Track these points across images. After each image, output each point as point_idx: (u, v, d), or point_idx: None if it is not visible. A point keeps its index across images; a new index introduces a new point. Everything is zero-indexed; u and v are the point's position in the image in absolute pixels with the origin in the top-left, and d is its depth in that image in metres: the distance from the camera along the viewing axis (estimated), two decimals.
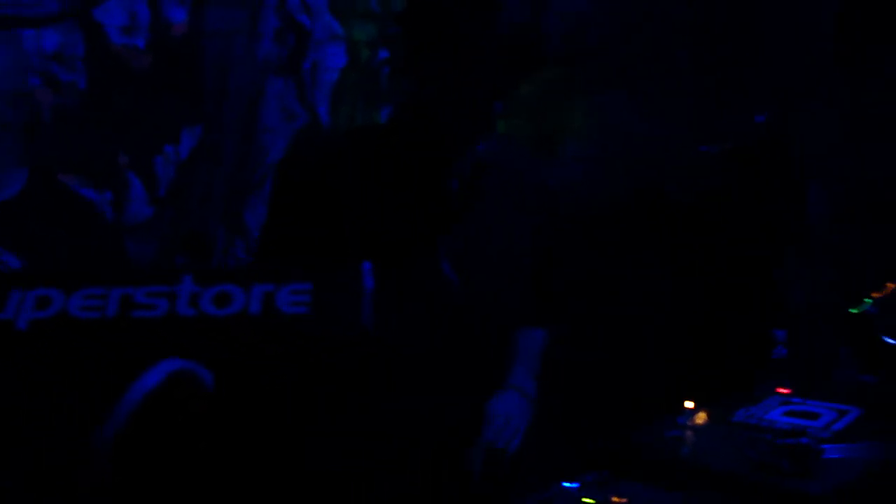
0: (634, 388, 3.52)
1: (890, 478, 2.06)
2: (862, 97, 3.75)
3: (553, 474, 2.05)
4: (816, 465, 2.02)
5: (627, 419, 2.35)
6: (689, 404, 2.35)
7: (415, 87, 1.96)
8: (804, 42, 4.11)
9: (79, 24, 3.30)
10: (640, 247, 4.04)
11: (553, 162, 4.10)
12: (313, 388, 1.00)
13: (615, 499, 2.00)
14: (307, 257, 1.81)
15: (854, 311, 2.43)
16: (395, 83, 3.73)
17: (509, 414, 2.12)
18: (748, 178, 3.89)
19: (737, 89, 4.19)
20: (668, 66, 4.30)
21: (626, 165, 4.17)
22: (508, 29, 1.82)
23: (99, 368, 0.98)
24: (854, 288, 2.55)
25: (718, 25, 4.31)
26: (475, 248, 2.02)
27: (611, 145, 4.18)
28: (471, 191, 2.02)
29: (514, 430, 2.13)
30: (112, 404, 0.93)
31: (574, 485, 2.03)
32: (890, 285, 2.46)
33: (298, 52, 3.67)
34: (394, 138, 2.01)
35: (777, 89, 4.07)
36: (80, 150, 3.23)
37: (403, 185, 1.97)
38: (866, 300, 2.45)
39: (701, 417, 2.33)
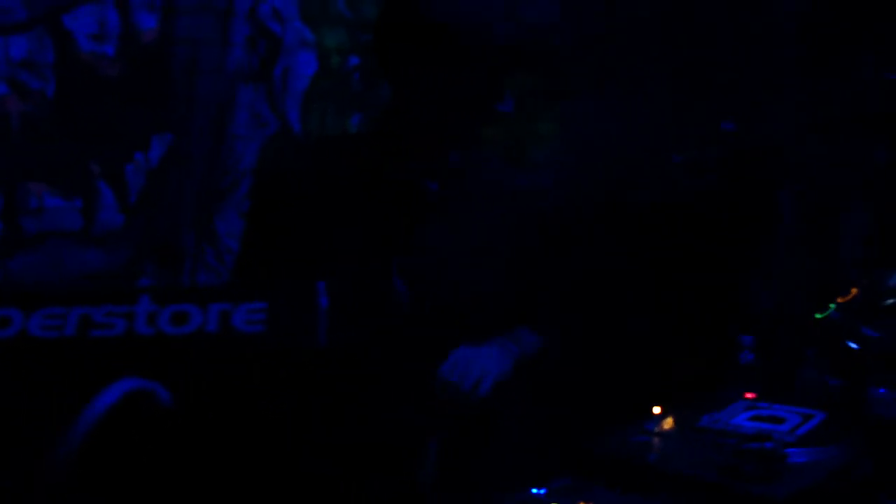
0: (601, 394, 3.54)
1: (853, 481, 2.08)
2: (828, 101, 3.79)
3: (519, 480, 2.06)
4: (781, 468, 2.04)
5: (594, 425, 2.36)
6: (656, 409, 2.37)
7: (387, 94, 1.96)
8: (769, 48, 4.14)
9: (48, 31, 3.29)
10: (607, 253, 4.06)
11: (523, 167, 4.12)
12: (270, 406, 1.01)
13: None
14: (280, 272, 1.80)
15: (819, 315, 2.46)
16: (366, 90, 3.73)
17: (478, 355, 1.94)
18: (717, 184, 3.92)
19: (703, 96, 4.22)
20: (635, 73, 4.33)
21: (594, 171, 4.19)
22: (485, 36, 1.81)
23: (58, 388, 0.99)
24: (819, 292, 2.58)
25: (685, 32, 4.34)
26: (441, 260, 1.99)
27: (579, 152, 4.20)
28: (442, 199, 2.00)
29: (482, 373, 1.91)
30: (67, 423, 0.93)
31: (541, 490, 2.04)
32: (854, 290, 2.49)
33: (269, 59, 3.68)
34: (363, 148, 2.00)
35: (743, 96, 4.10)
36: (49, 158, 3.23)
37: (366, 197, 1.96)
38: (831, 305, 2.48)
39: (668, 423, 2.35)
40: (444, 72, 1.83)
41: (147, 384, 0.97)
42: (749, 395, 2.52)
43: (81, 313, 1.03)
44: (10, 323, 1.02)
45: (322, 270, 1.46)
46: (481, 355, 1.95)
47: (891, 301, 2.54)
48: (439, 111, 1.88)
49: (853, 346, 2.46)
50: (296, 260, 1.86)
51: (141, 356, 1.01)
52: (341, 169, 1.98)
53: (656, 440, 2.31)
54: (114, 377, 0.98)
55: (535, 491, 1.99)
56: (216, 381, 1.01)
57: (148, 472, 0.98)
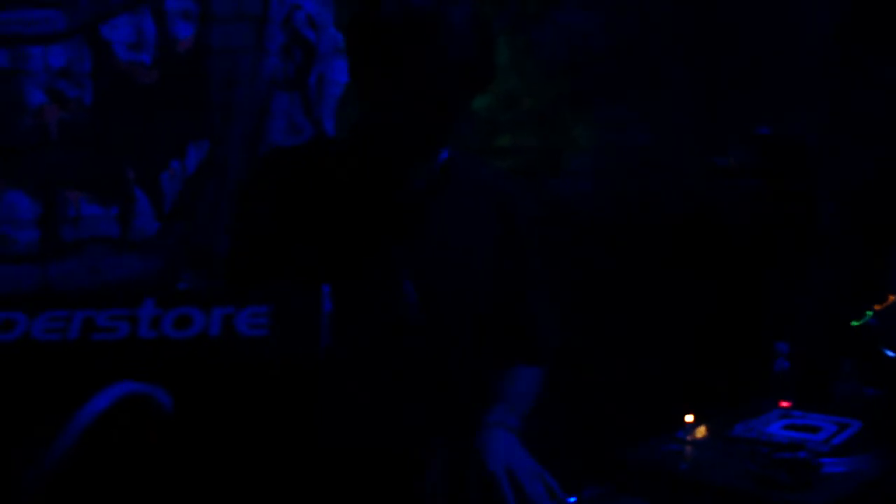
0: (635, 402, 3.51)
1: (888, 491, 2.05)
2: (864, 105, 3.74)
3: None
4: (815, 478, 2.01)
5: (628, 433, 2.34)
6: (689, 418, 2.35)
7: (365, 106, 1.93)
8: (805, 52, 4.10)
9: (86, 41, 3.33)
10: (643, 260, 4.03)
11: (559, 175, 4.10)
12: (272, 410, 1.00)
13: None
14: (271, 278, 1.78)
15: (856, 323, 2.42)
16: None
17: (510, 465, 1.93)
18: (758, 189, 3.88)
19: (738, 102, 4.18)
20: (669, 78, 4.30)
21: (628, 178, 4.16)
22: (454, 49, 1.77)
23: (60, 391, 0.99)
24: (856, 300, 2.54)
25: (718, 38, 4.31)
26: (439, 265, 1.96)
27: (612, 158, 4.18)
28: (429, 203, 1.96)
29: (530, 474, 1.92)
30: (56, 429, 0.93)
31: (573, 499, 2.03)
32: (891, 297, 2.45)
33: (304, 67, 3.69)
34: (349, 154, 1.96)
35: (779, 101, 4.06)
36: (86, 167, 3.26)
37: (361, 201, 1.93)
38: (868, 312, 2.44)
39: (701, 431, 2.33)
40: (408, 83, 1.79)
41: (145, 388, 0.97)
42: (784, 404, 2.49)
43: (85, 316, 1.03)
44: (14, 326, 1.03)
45: (326, 273, 1.45)
46: (510, 460, 1.93)
47: None
48: (411, 123, 1.85)
49: (890, 354, 2.42)
50: (298, 263, 1.84)
51: (143, 360, 1.01)
52: (333, 173, 1.95)
53: (689, 449, 2.29)
54: (115, 381, 0.97)
55: (566, 499, 1.97)
56: (218, 385, 1.00)
57: (145, 476, 0.98)
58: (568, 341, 2.32)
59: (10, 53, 3.18)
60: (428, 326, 1.88)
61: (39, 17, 3.25)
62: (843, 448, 2.19)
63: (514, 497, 1.86)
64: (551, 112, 4.20)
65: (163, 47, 3.44)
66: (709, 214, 4.03)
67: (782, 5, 4.19)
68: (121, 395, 0.93)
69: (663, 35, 4.29)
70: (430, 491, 1.75)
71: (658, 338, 3.87)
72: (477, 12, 1.81)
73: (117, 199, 3.36)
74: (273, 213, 1.90)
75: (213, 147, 3.53)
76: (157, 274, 3.41)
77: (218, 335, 1.00)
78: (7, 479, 0.92)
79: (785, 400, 2.47)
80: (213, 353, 0.99)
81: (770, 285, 3.66)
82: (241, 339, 0.99)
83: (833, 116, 3.87)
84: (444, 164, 1.96)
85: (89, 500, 0.93)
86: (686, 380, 3.57)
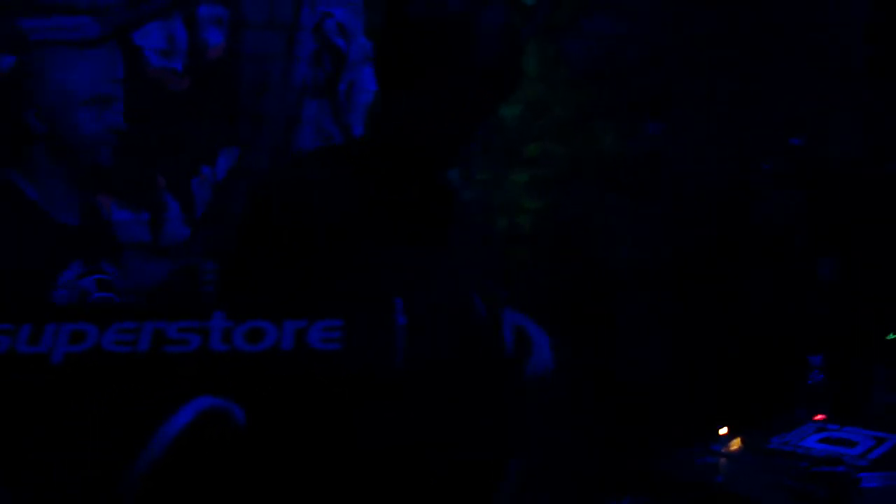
0: (671, 414, 3.50)
1: None
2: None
3: (590, 498, 2.03)
4: (853, 493, 2.00)
5: (664, 444, 2.33)
6: (723, 430, 2.34)
7: (384, 106, 1.91)
8: (835, 62, 4.09)
9: (118, 47, 3.34)
10: (677, 271, 4.02)
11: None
12: (345, 425, 1.00)
13: None
14: (278, 291, 1.74)
15: (891, 336, 2.41)
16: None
17: None
18: (798, 199, 3.87)
19: (769, 112, 4.17)
20: (701, 89, 4.29)
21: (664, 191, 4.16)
22: (483, 53, 1.77)
23: (131, 403, 0.99)
24: (892, 312, 2.53)
25: (750, 45, 4.30)
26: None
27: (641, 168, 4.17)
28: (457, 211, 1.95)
29: None
30: (143, 441, 0.93)
31: None
32: None
33: (334, 74, 3.70)
34: (371, 157, 1.93)
35: (811, 111, 4.05)
36: (117, 172, 3.27)
37: (403, 210, 1.90)
38: None
39: (735, 444, 2.32)
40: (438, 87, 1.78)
41: (221, 403, 0.97)
42: (819, 417, 2.47)
43: (155, 328, 1.03)
44: (85, 337, 1.03)
45: (395, 287, 1.44)
46: None
47: None
48: (435, 127, 1.83)
49: None
50: (368, 278, 1.82)
51: (215, 373, 1.00)
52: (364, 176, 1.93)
53: (724, 461, 2.28)
54: (188, 394, 0.98)
55: None
56: (291, 400, 1.00)
57: (222, 492, 0.98)
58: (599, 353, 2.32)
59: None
60: (497, 340, 1.87)
61: (72, 24, 3.26)
62: (882, 462, 2.18)
63: None
64: (580, 121, 4.20)
65: (194, 54, 3.45)
66: (742, 224, 4.02)
67: (812, 24, 4.19)
68: (201, 409, 0.93)
69: (694, 45, 4.29)
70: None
71: (694, 350, 3.86)
72: (506, 19, 1.80)
73: (148, 205, 3.37)
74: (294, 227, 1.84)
75: (243, 153, 3.54)
76: (187, 280, 3.42)
77: (290, 349, 1.00)
78: (84, 490, 0.92)
79: (819, 413, 2.46)
80: (286, 366, 0.99)
81: (805, 296, 3.65)
82: (314, 353, 0.99)
83: (866, 129, 3.86)
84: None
85: None
86: (721, 392, 3.55)
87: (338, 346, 1.00)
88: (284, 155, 3.59)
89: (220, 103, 3.50)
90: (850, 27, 4.17)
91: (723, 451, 2.32)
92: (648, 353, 3.83)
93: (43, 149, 2.68)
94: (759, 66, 4.26)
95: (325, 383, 1.00)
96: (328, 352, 1.00)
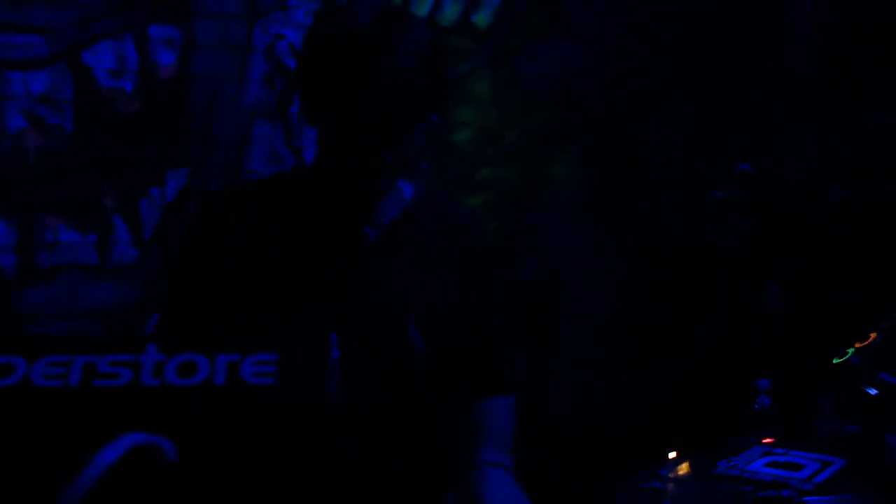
0: (617, 440, 3.51)
1: None
2: (849, 143, 3.78)
3: None
4: None
5: (611, 471, 2.33)
6: (671, 455, 2.34)
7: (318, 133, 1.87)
8: (786, 88, 4.14)
9: (67, 67, 3.31)
10: (624, 295, 4.04)
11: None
12: (277, 459, 0.99)
13: None
14: (214, 321, 1.72)
15: (837, 360, 2.43)
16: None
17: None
18: (752, 224, 3.90)
19: (722, 138, 4.21)
20: (659, 114, 4.32)
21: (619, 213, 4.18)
22: (396, 76, 1.73)
23: (61, 438, 0.97)
24: (838, 337, 2.55)
25: (702, 71, 4.34)
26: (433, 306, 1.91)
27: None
28: (392, 242, 1.91)
29: None
30: (70, 479, 0.91)
31: None
32: (873, 335, 2.46)
33: (286, 96, 3.68)
34: (310, 188, 1.90)
35: (761, 137, 4.09)
36: (65, 193, 3.24)
37: (331, 242, 1.86)
38: (849, 350, 2.44)
39: (683, 468, 2.32)
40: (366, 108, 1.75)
41: (152, 439, 0.95)
42: (766, 441, 2.48)
43: (86, 361, 1.01)
44: (13, 370, 1.00)
45: (330, 321, 1.42)
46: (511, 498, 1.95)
47: None
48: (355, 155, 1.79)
49: (872, 391, 2.43)
50: (304, 311, 1.79)
51: (146, 408, 0.99)
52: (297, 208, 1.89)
53: (671, 486, 2.27)
54: (118, 430, 0.96)
55: None
56: (224, 435, 0.99)
57: None
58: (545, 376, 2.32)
59: None
60: (430, 372, 1.85)
61: (21, 43, 3.23)
62: (826, 486, 2.18)
63: None
64: (532, 146, 4.21)
65: (144, 74, 3.43)
66: (697, 250, 4.05)
67: (768, 53, 4.23)
68: (130, 445, 0.91)
69: (648, 72, 4.32)
70: None
71: (641, 375, 3.87)
72: (425, 39, 1.77)
73: (96, 226, 3.33)
74: (229, 259, 1.81)
75: (193, 175, 3.51)
76: (134, 303, 3.38)
77: (223, 383, 0.98)
78: None
79: (767, 437, 2.47)
80: (218, 401, 0.97)
81: (752, 321, 3.68)
82: (247, 388, 0.98)
83: (821, 157, 3.91)
84: (409, 204, 1.90)
85: None
86: (669, 417, 3.57)
87: (271, 380, 0.99)
88: (235, 177, 3.57)
89: (170, 124, 3.48)
90: (804, 55, 4.22)
91: (670, 475, 2.32)
92: (590, 375, 3.84)
93: None
94: (712, 93, 4.30)
95: (259, 418, 0.99)
96: (261, 386, 0.99)
